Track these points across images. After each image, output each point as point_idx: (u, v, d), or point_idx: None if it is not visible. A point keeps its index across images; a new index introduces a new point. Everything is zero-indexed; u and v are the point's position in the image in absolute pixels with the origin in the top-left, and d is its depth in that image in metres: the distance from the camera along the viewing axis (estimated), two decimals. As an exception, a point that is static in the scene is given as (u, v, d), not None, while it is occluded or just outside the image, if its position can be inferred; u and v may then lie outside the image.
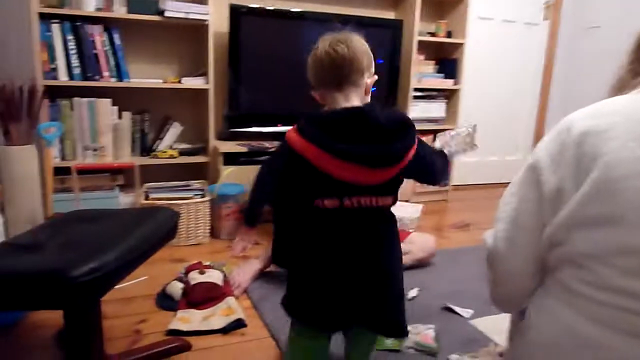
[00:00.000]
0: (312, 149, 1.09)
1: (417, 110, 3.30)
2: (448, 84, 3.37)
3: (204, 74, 2.69)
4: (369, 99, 1.22)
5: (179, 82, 2.66)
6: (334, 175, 1.09)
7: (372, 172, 1.10)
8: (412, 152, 1.14)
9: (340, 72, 1.16)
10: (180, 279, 1.88)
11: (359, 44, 1.18)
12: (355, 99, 1.18)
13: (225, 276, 1.96)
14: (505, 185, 1.03)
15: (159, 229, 1.34)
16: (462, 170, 3.79)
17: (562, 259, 0.89)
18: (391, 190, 1.18)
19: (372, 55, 1.21)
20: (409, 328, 1.63)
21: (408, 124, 1.15)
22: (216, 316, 1.70)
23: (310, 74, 1.21)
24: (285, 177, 1.17)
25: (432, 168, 1.26)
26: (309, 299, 1.21)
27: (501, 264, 0.99)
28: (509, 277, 1.00)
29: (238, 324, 1.68)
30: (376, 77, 1.24)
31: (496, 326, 1.71)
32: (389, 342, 1.57)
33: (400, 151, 1.12)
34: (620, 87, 0.95)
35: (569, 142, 0.86)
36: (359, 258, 1.17)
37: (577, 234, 0.84)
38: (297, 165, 1.12)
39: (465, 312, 1.81)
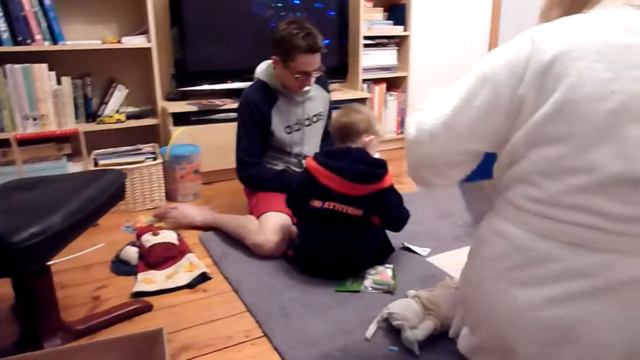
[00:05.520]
0: (314, 164, 1.63)
1: (368, 59, 3.28)
2: (398, 30, 3.33)
3: (145, 32, 2.57)
4: None
5: (119, 42, 2.53)
6: (322, 182, 1.60)
7: (346, 184, 1.57)
8: (377, 187, 1.59)
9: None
10: (133, 244, 1.85)
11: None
12: None
13: (179, 235, 1.94)
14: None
15: (105, 190, 1.30)
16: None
17: (515, 177, 0.91)
18: (361, 206, 1.60)
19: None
20: (369, 270, 1.68)
21: (374, 173, 1.60)
22: (180, 273, 1.70)
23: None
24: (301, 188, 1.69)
25: (391, 216, 1.68)
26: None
27: (415, 154, 1.03)
28: (420, 168, 1.04)
29: (203, 278, 1.69)
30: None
31: (452, 262, 1.78)
32: (349, 284, 1.61)
33: (366, 177, 1.58)
34: (581, 4, 0.92)
35: (535, 59, 0.85)
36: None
37: (533, 152, 0.87)
38: (306, 179, 1.65)
39: (423, 251, 1.87)
